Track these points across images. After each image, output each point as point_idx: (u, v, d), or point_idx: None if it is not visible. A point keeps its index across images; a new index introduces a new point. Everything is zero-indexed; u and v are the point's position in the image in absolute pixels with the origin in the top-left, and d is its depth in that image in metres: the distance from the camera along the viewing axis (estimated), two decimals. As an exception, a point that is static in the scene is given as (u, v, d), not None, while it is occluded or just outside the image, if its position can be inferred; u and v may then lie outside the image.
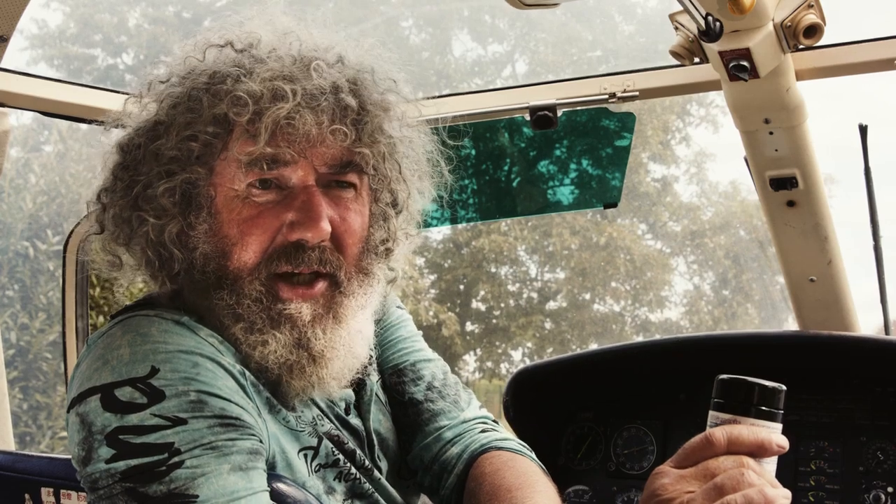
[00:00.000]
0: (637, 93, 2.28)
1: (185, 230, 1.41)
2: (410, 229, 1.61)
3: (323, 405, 1.49)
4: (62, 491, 1.80)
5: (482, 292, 18.76)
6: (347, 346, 1.45)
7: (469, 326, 19.06)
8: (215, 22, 1.49)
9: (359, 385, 1.59)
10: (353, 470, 1.48)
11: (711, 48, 1.85)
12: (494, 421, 1.72)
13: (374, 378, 1.63)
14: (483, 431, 1.66)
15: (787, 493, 1.15)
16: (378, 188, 1.51)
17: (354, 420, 1.54)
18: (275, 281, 1.40)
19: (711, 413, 1.19)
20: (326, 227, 1.39)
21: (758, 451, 1.16)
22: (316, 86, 1.38)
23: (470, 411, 1.69)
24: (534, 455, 1.64)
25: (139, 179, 1.43)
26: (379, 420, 1.61)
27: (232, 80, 1.38)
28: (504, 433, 1.68)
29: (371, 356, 1.65)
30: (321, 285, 1.42)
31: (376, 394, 1.63)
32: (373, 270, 1.50)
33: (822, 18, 1.84)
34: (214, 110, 1.38)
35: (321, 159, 1.41)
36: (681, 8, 1.67)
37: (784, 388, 1.18)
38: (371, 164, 1.45)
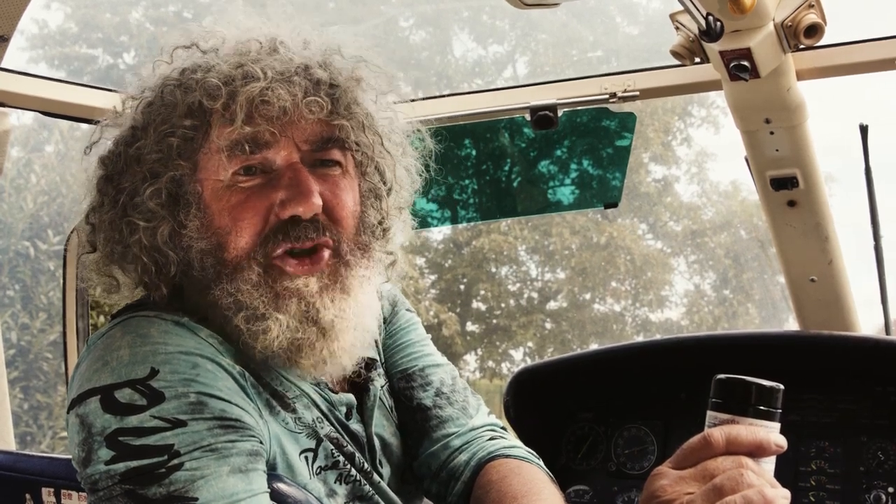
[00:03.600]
0: (638, 93, 2.28)
1: (176, 230, 1.41)
2: (403, 205, 1.61)
3: (324, 408, 1.49)
4: (63, 491, 1.80)
5: (483, 292, 18.76)
6: (357, 316, 1.43)
7: (469, 326, 19.06)
8: (176, 30, 1.49)
9: (361, 389, 1.58)
10: (354, 472, 1.48)
11: (712, 48, 1.85)
12: (503, 428, 1.71)
13: (378, 383, 1.62)
14: (491, 439, 1.65)
15: (787, 494, 1.15)
16: (363, 162, 1.51)
17: (355, 425, 1.53)
18: (276, 260, 1.39)
19: (709, 413, 1.19)
20: (317, 199, 1.39)
21: (756, 450, 1.15)
22: (285, 62, 1.39)
23: (478, 418, 1.67)
24: (541, 462, 1.63)
25: (124, 188, 1.42)
26: (382, 425, 1.60)
27: (202, 71, 1.38)
28: (512, 441, 1.67)
29: (377, 360, 1.65)
30: (326, 254, 1.41)
31: (381, 398, 1.62)
32: (371, 247, 1.50)
33: (823, 18, 1.84)
34: (188, 100, 1.38)
35: (302, 136, 1.41)
36: (681, 8, 1.67)
37: (782, 387, 1.18)
38: (352, 138, 1.45)
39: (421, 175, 1.62)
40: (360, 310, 1.44)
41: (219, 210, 1.39)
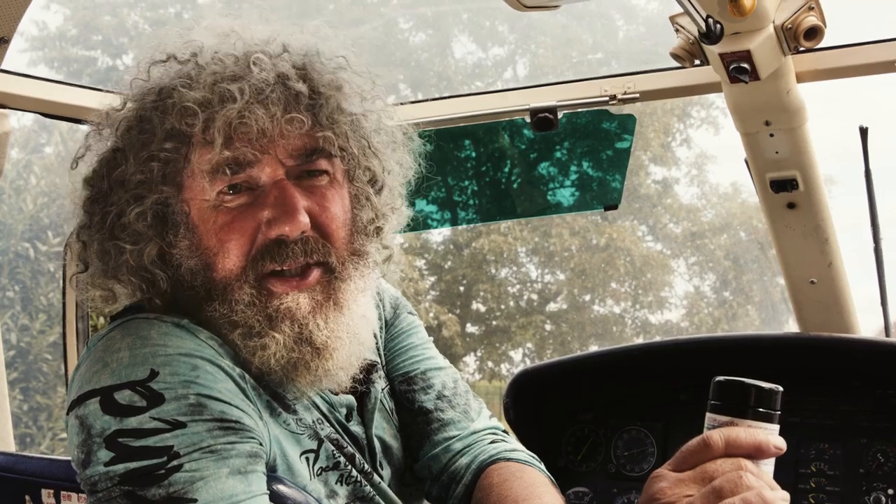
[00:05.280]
0: (637, 95, 2.28)
1: (165, 250, 1.40)
2: (396, 203, 1.59)
3: (324, 409, 1.49)
4: (62, 492, 1.80)
5: (482, 293, 18.76)
6: (352, 333, 1.43)
7: (469, 328, 19.05)
8: (155, 39, 1.46)
9: (362, 391, 1.58)
10: (354, 472, 1.48)
11: (712, 50, 1.85)
12: (504, 431, 1.71)
13: (379, 386, 1.62)
14: (493, 442, 1.65)
15: (786, 496, 1.15)
16: (351, 168, 1.49)
17: (355, 427, 1.54)
18: (265, 280, 1.38)
19: (708, 415, 1.19)
20: (304, 218, 1.37)
21: (755, 452, 1.15)
22: (261, 79, 1.36)
23: (480, 422, 1.67)
24: (543, 466, 1.63)
25: (110, 210, 1.42)
26: (383, 427, 1.60)
27: (178, 93, 1.36)
28: (514, 444, 1.67)
29: (378, 364, 1.65)
30: (315, 274, 1.41)
31: (381, 401, 1.62)
32: (366, 250, 1.49)
33: (823, 20, 1.84)
34: (166, 126, 1.36)
35: (285, 151, 1.39)
36: (681, 10, 1.67)
37: (781, 389, 1.17)
38: (337, 146, 1.43)
39: (413, 168, 1.60)
40: (355, 323, 1.44)
41: (206, 231, 1.38)
